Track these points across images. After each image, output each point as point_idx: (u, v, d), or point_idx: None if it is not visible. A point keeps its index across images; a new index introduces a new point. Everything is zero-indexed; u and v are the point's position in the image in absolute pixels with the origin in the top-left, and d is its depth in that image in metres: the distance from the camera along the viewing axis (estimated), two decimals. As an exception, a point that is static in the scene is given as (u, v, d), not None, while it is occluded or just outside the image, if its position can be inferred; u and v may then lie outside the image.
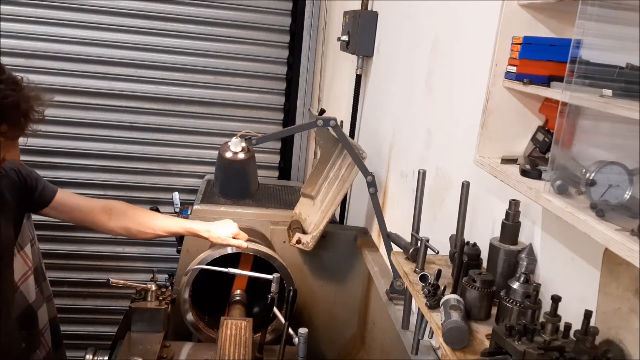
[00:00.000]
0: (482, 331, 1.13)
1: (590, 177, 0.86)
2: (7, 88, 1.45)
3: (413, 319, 1.67)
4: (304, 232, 2.36)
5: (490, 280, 1.17)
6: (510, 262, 1.21)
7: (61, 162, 3.69)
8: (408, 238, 1.55)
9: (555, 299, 0.96)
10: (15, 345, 1.85)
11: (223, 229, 2.13)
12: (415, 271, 1.37)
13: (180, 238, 2.67)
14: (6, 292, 1.74)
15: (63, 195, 1.94)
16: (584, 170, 0.88)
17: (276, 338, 2.13)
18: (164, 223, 2.10)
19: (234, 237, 2.14)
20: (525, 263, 1.14)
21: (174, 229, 2.13)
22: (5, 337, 1.74)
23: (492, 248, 1.23)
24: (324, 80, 3.67)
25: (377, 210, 2.08)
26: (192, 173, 3.87)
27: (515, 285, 1.09)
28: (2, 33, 3.44)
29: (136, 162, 3.80)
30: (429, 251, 1.38)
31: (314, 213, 2.44)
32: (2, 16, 3.42)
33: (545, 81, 1.07)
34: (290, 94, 3.87)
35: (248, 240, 2.17)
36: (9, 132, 1.49)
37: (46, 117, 1.60)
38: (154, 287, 2.07)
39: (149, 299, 2.06)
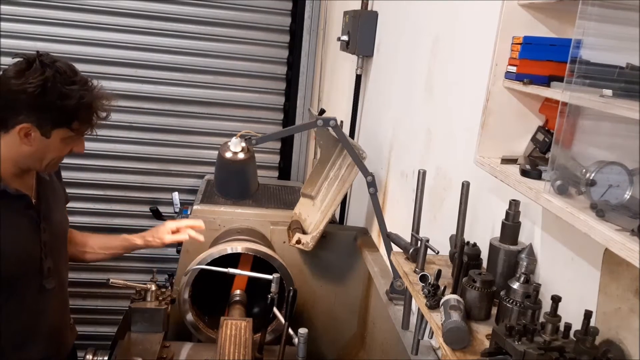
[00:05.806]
0: (482, 331, 1.13)
1: (590, 177, 0.86)
2: (80, 89, 1.61)
3: (413, 319, 1.67)
4: (304, 232, 2.36)
5: (490, 281, 1.17)
6: (510, 262, 1.20)
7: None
8: (408, 238, 1.55)
9: (555, 299, 0.95)
10: (67, 321, 1.93)
11: (160, 228, 2.10)
12: (415, 271, 1.37)
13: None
14: (62, 272, 1.85)
15: None
16: (584, 170, 0.88)
17: (276, 338, 2.12)
18: (103, 240, 2.09)
19: (175, 231, 2.11)
20: (525, 263, 1.14)
21: (114, 243, 2.10)
22: (64, 313, 1.88)
23: (492, 248, 1.23)
24: (324, 80, 3.66)
25: (377, 210, 2.07)
26: (192, 173, 3.87)
27: (515, 285, 1.09)
28: (2, 33, 3.44)
29: (136, 162, 3.80)
30: (429, 251, 1.38)
31: (314, 213, 2.44)
32: (2, 16, 3.42)
33: (545, 81, 1.06)
34: (290, 94, 3.87)
35: (247, 240, 2.16)
36: (81, 128, 1.68)
37: None
38: (153, 287, 2.07)
39: (148, 299, 2.06)
